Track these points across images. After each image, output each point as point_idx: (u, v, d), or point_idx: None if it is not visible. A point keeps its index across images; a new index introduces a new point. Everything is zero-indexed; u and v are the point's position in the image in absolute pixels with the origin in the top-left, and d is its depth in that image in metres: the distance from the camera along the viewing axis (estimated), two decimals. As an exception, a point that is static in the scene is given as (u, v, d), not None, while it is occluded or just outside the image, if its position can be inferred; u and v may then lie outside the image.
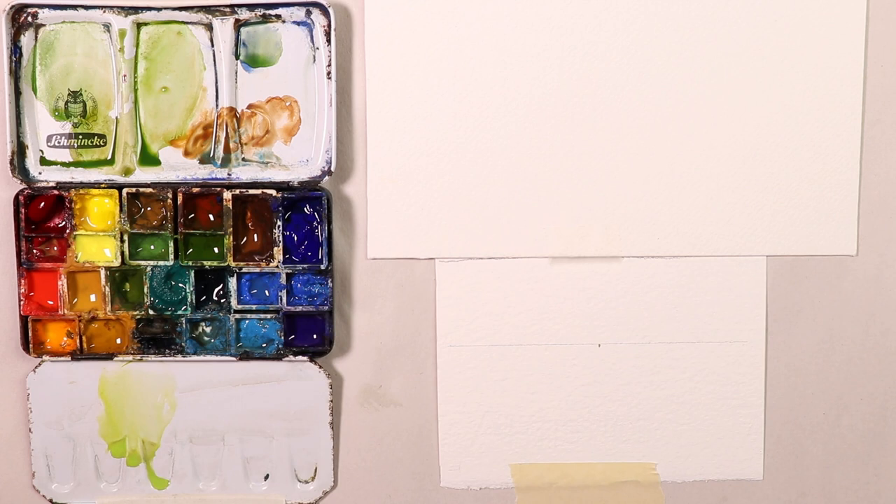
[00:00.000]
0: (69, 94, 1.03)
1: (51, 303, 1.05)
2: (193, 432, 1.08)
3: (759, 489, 1.11)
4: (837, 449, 1.11)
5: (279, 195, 1.04)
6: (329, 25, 1.02)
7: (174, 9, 1.02)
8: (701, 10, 1.04)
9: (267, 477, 1.09)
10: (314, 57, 1.03)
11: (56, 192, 1.04)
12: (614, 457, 1.10)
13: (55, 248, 1.05)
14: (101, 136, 1.04)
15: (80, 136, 1.04)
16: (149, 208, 1.05)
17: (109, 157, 1.04)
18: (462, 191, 1.06)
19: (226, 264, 1.05)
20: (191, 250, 1.05)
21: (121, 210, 1.04)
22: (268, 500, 1.09)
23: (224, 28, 1.02)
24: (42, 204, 1.04)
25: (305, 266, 1.05)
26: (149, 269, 1.05)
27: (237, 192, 1.04)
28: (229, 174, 1.04)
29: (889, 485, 1.12)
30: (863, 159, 1.06)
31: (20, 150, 1.03)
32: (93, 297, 1.06)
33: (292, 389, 1.07)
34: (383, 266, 1.07)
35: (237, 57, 1.03)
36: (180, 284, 1.06)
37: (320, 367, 1.07)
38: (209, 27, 1.03)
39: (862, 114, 1.05)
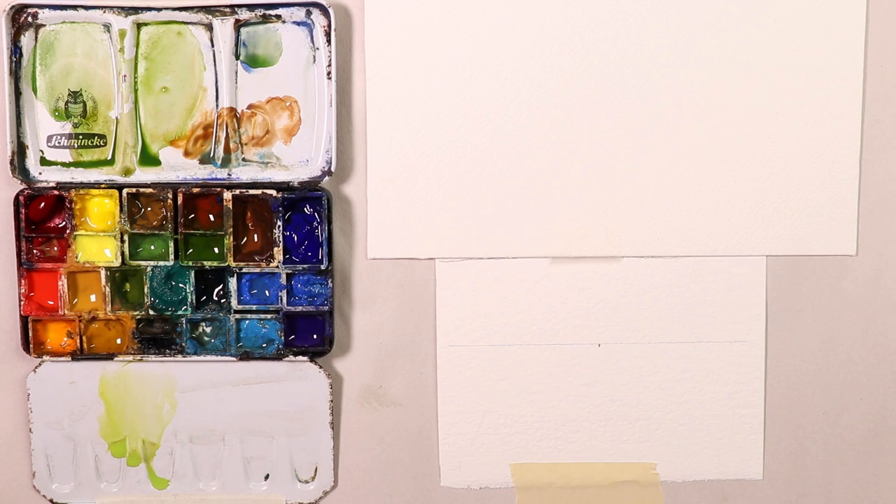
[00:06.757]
0: (69, 95, 1.03)
1: (51, 303, 1.05)
2: (194, 432, 1.08)
3: (759, 489, 1.11)
4: (837, 449, 1.11)
5: (279, 195, 1.04)
6: (329, 25, 1.02)
7: (174, 9, 1.02)
8: (701, 10, 1.04)
9: (267, 477, 1.09)
10: (314, 57, 1.03)
11: (56, 192, 1.04)
12: (614, 457, 1.10)
13: (55, 249, 1.05)
14: (101, 137, 1.04)
15: (80, 137, 1.04)
16: (149, 208, 1.05)
17: (109, 157, 1.04)
18: (462, 191, 1.06)
19: (226, 264, 1.05)
20: (191, 250, 1.05)
21: (121, 210, 1.04)
22: (268, 500, 1.09)
23: (224, 28, 1.02)
24: (42, 204, 1.04)
25: (305, 266, 1.05)
26: (149, 269, 1.05)
27: (237, 192, 1.04)
28: (229, 174, 1.04)
29: (889, 485, 1.12)
30: (863, 159, 1.06)
31: (20, 150, 1.03)
32: (93, 298, 1.06)
33: (292, 389, 1.07)
34: (383, 266, 1.07)
35: (237, 57, 1.03)
36: (180, 284, 1.06)
37: (320, 367, 1.07)
38: (209, 27, 1.03)
39: (862, 114, 1.05)
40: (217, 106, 1.03)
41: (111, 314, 1.06)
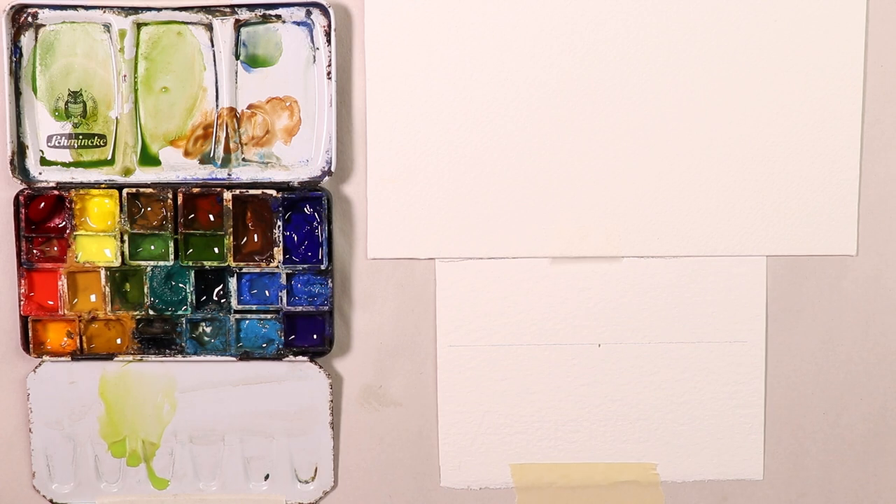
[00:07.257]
0: (69, 95, 1.03)
1: (51, 303, 1.05)
2: (193, 432, 1.08)
3: (759, 489, 1.11)
4: (837, 449, 1.11)
5: (279, 195, 1.04)
6: (329, 25, 1.02)
7: (174, 9, 1.02)
8: (701, 10, 1.04)
9: (267, 477, 1.09)
10: (314, 57, 1.03)
11: (56, 192, 1.04)
12: (614, 457, 1.10)
13: (55, 249, 1.05)
14: (101, 137, 1.04)
15: (80, 137, 1.04)
16: (149, 208, 1.05)
17: (109, 157, 1.04)
18: (462, 191, 1.06)
19: (226, 264, 1.05)
20: (191, 250, 1.05)
21: (121, 210, 1.04)
22: (268, 500, 1.09)
23: (224, 28, 1.02)
24: (42, 204, 1.04)
25: (305, 266, 1.05)
26: (149, 269, 1.05)
27: (237, 192, 1.04)
28: (229, 174, 1.04)
29: (889, 485, 1.12)
30: (863, 159, 1.06)
31: (20, 150, 1.03)
32: (93, 298, 1.06)
33: (292, 389, 1.07)
34: (383, 266, 1.07)
35: (237, 57, 1.03)
36: (180, 284, 1.06)
37: (320, 367, 1.07)
38: (209, 27, 1.03)
39: (862, 114, 1.05)
40: (217, 106, 1.03)
41: (111, 314, 1.06)
